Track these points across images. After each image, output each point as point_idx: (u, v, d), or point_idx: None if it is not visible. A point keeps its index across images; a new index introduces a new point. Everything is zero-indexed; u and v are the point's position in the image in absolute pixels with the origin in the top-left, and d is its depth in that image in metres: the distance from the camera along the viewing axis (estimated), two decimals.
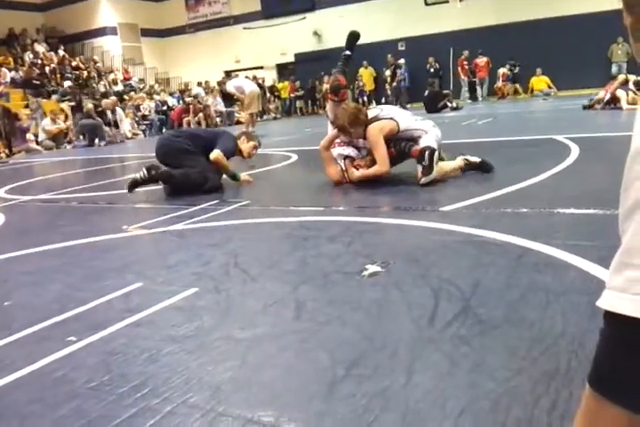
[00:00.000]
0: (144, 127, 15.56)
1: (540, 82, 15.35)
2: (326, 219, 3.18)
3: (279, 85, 19.86)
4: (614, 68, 14.10)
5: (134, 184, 4.39)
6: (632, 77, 9.11)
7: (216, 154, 4.40)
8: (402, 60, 16.89)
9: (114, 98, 14.69)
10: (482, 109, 12.71)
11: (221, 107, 16.36)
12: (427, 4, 16.65)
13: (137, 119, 15.50)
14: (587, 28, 14.03)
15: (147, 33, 21.54)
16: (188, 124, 15.17)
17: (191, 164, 4.39)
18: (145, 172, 4.29)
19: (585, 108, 9.21)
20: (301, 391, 1.34)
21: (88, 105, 13.11)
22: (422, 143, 3.89)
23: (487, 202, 3.16)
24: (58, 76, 16.81)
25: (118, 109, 13.90)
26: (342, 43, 4.81)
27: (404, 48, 17.71)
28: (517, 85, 16.19)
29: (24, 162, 10.22)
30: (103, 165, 8.15)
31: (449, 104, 13.17)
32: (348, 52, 4.66)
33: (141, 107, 15.96)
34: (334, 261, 2.32)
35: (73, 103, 14.46)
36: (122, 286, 2.24)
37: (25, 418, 1.35)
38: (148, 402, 1.35)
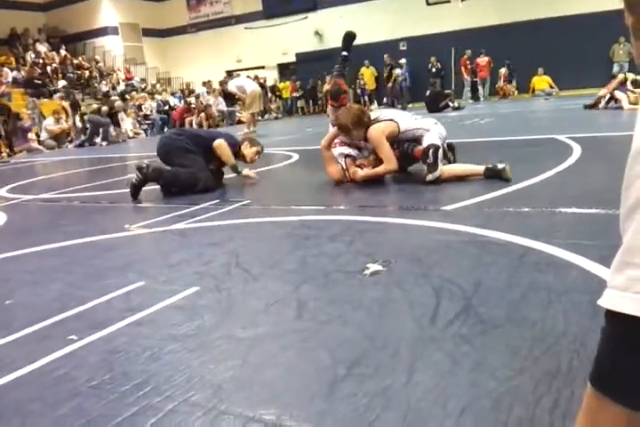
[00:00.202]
0: (146, 127, 15.59)
1: (541, 82, 15.33)
2: (327, 218, 3.18)
3: (280, 85, 19.89)
4: (616, 68, 14.07)
5: (134, 189, 4.30)
6: (630, 76, 9.10)
7: (219, 142, 4.45)
8: (403, 60, 16.85)
9: (116, 98, 14.69)
10: (483, 109, 12.70)
11: (223, 106, 16.39)
12: (428, 3, 16.66)
13: (139, 119, 15.53)
14: (588, 28, 14.03)
15: (148, 33, 21.57)
16: (191, 123, 15.19)
17: (189, 163, 4.39)
18: (137, 173, 4.27)
19: (586, 107, 9.21)
20: (303, 390, 1.34)
21: (103, 107, 13.12)
22: (425, 142, 3.88)
23: (489, 201, 3.15)
24: (59, 75, 16.84)
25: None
26: None
27: (405, 48, 17.71)
28: (513, 85, 16.13)
29: (26, 161, 10.23)
30: (105, 165, 8.15)
31: (450, 104, 13.16)
32: (345, 53, 4.66)
33: (143, 106, 16.00)
34: (335, 261, 2.32)
35: (68, 102, 14.45)
36: (123, 284, 2.25)
37: (25, 417, 1.35)
38: (149, 400, 1.35)
